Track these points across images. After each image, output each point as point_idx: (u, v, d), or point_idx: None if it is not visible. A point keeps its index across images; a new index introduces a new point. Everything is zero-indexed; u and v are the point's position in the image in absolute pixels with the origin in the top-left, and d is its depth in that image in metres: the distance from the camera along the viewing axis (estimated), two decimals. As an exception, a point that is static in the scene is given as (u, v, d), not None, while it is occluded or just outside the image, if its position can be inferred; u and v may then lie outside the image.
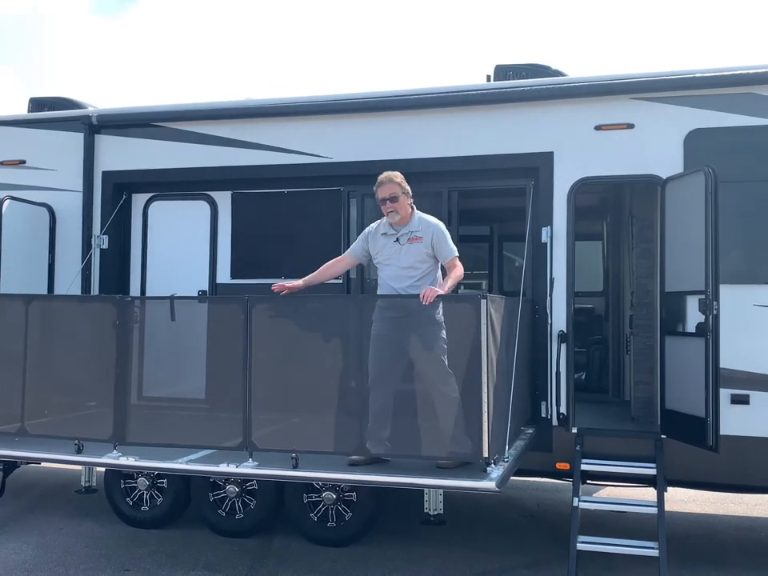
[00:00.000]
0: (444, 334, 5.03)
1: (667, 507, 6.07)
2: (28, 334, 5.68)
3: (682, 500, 8.50)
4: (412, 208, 5.62)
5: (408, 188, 5.57)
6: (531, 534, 7.32)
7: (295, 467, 4.82)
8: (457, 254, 5.49)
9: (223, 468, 4.95)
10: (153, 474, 7.17)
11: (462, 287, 10.09)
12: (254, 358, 4.97)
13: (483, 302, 4.58)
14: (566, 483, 7.17)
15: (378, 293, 5.71)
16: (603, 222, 9.65)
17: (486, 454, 4.56)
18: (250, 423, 4.91)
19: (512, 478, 9.16)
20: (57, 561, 6.40)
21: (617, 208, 8.91)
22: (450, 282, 5.22)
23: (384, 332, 4.98)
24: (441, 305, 4.96)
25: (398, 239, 5.53)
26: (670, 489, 6.33)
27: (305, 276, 5.72)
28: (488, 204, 9.10)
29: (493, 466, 4.70)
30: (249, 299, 5.06)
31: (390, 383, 4.95)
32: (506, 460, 4.99)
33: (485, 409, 4.54)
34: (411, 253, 5.47)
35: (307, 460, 4.98)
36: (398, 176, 5.58)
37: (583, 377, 9.03)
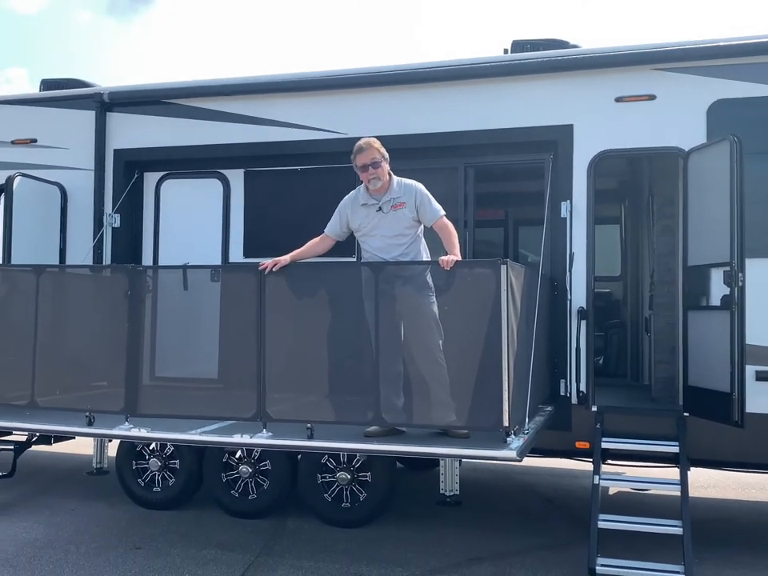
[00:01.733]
0: (434, 297, 4.92)
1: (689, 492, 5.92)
2: (39, 307, 5.59)
3: (703, 486, 8.35)
4: (390, 174, 5.43)
5: (386, 154, 5.39)
6: (549, 518, 7.19)
7: (310, 438, 4.71)
8: (443, 213, 5.31)
9: (237, 439, 4.84)
10: (165, 454, 7.10)
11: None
12: (267, 327, 4.86)
13: (503, 266, 4.46)
14: (584, 470, 7.04)
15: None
16: (621, 205, 9.50)
17: (506, 423, 4.43)
18: (263, 393, 4.80)
19: (529, 463, 9.14)
20: (68, 539, 6.32)
21: (635, 190, 8.77)
22: (458, 248, 5.08)
23: (380, 303, 4.83)
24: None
25: (380, 208, 5.34)
26: (690, 474, 6.16)
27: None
28: (504, 187, 8.97)
29: (513, 436, 4.57)
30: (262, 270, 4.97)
31: (396, 350, 4.82)
32: (526, 432, 4.86)
33: (505, 377, 4.42)
34: (397, 220, 5.30)
35: (322, 433, 4.88)
36: (376, 141, 5.41)
37: (601, 361, 8.88)
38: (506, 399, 4.41)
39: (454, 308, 4.79)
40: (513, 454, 4.36)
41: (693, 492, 7.82)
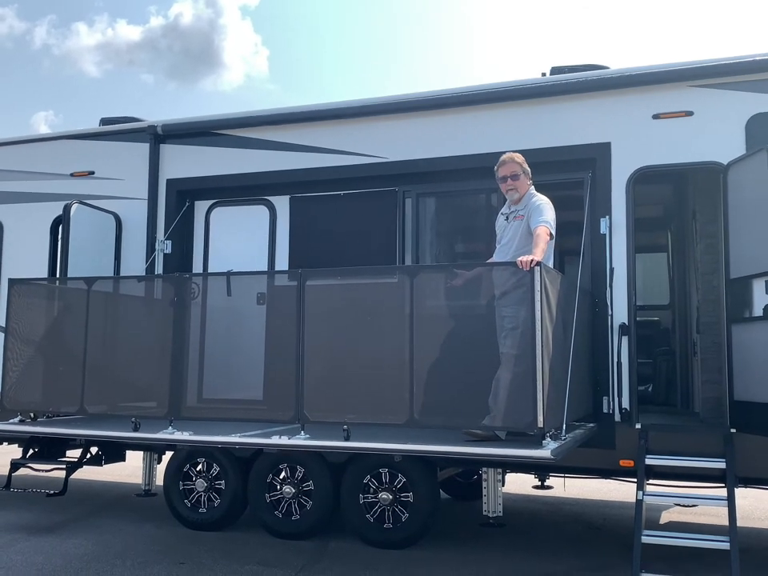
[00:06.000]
0: (512, 310, 4.95)
1: (743, 524, 5.73)
2: (89, 322, 5.82)
3: (759, 518, 8.07)
4: (528, 189, 5.76)
5: (528, 169, 5.76)
6: (596, 544, 7.03)
7: (347, 439, 4.77)
8: (544, 224, 5.39)
9: (275, 440, 4.92)
10: (211, 475, 7.21)
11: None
12: (306, 332, 4.97)
13: (537, 268, 4.52)
14: (633, 501, 6.90)
15: None
16: (667, 231, 9.43)
17: (540, 425, 4.42)
18: (301, 395, 4.90)
19: (580, 495, 8.97)
20: (115, 554, 6.43)
21: (680, 215, 8.71)
22: (537, 249, 5.12)
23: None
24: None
25: (507, 217, 5.77)
26: (746, 506, 5.97)
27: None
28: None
29: (549, 439, 4.56)
30: (302, 272, 5.11)
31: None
32: (563, 438, 4.83)
33: (539, 377, 4.43)
34: (512, 230, 5.66)
35: (359, 437, 4.94)
36: (519, 157, 5.80)
37: (650, 388, 8.73)
38: (540, 399, 4.41)
39: (490, 310, 4.83)
40: (547, 453, 4.35)
41: (749, 523, 7.63)
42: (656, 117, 6.38)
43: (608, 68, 7.08)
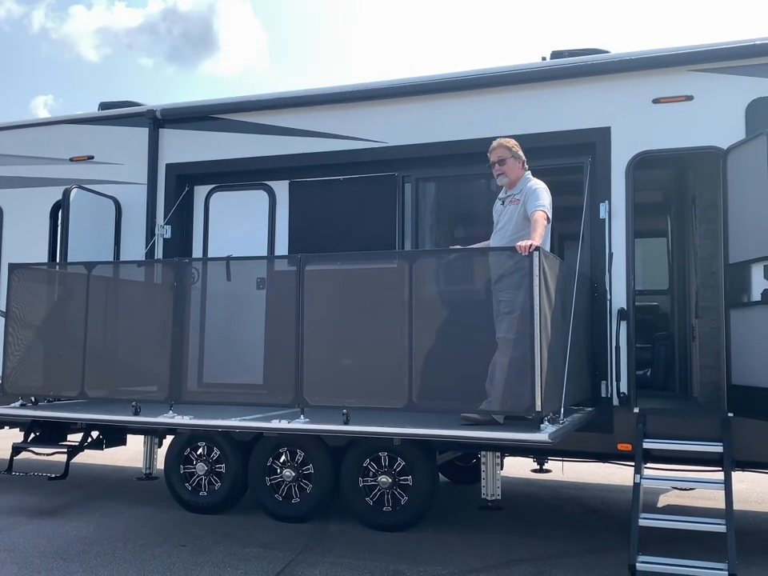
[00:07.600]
0: (508, 294, 4.97)
1: (740, 507, 5.74)
2: (89, 306, 5.83)
3: (756, 501, 8.12)
4: (524, 173, 5.77)
5: (520, 153, 5.76)
6: (594, 527, 7.08)
7: (346, 423, 4.79)
8: (541, 208, 5.39)
9: (275, 424, 4.95)
10: (211, 458, 7.25)
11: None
12: (305, 316, 4.99)
13: (536, 253, 4.53)
14: (630, 484, 6.96)
15: None
16: (667, 216, 9.43)
17: (538, 408, 4.44)
18: (301, 380, 4.91)
19: (578, 479, 9.02)
20: (116, 537, 6.48)
21: (680, 200, 8.70)
22: (535, 234, 5.13)
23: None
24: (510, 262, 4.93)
25: (503, 201, 5.77)
26: (742, 489, 5.98)
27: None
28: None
29: (547, 423, 4.58)
30: (301, 257, 5.12)
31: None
32: (561, 422, 4.85)
33: (537, 361, 4.44)
34: (508, 214, 5.66)
35: (359, 421, 4.97)
36: (509, 141, 5.82)
37: (648, 373, 8.75)
38: (538, 383, 4.43)
39: (488, 295, 4.85)
40: (545, 436, 4.37)
41: (746, 506, 7.67)
42: (656, 101, 6.36)
43: (608, 52, 7.05)
